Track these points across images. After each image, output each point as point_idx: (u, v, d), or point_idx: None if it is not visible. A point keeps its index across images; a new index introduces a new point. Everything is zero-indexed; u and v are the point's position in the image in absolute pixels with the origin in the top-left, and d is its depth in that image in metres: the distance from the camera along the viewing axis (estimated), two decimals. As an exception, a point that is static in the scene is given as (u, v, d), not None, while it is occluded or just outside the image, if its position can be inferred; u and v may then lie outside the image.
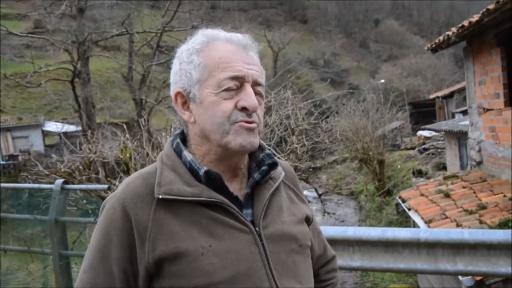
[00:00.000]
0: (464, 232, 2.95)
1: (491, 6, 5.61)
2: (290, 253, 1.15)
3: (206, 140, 1.12)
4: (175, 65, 1.17)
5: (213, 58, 1.10)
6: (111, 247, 1.05)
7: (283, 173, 1.26)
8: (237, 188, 1.17)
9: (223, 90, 1.08)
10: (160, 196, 1.06)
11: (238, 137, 1.08)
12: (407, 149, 25.10)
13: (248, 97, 1.09)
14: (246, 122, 1.09)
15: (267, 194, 1.17)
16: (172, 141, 1.20)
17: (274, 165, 1.20)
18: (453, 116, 23.33)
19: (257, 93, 1.13)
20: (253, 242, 1.09)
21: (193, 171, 1.11)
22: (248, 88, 1.10)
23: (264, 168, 1.19)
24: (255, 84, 1.12)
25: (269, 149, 1.27)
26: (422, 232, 3.00)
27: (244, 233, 1.09)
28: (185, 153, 1.14)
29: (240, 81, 1.09)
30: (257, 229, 1.11)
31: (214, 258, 1.03)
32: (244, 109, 1.08)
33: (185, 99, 1.15)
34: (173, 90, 1.17)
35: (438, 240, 2.93)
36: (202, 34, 1.15)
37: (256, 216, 1.13)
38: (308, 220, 1.29)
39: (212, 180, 1.10)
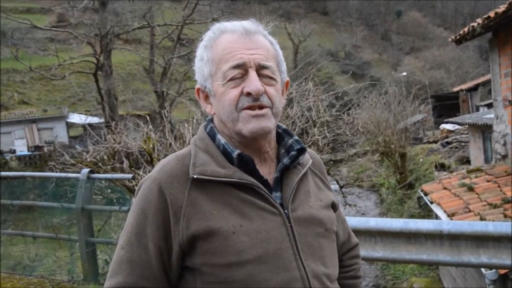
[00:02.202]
0: (488, 224, 2.94)
1: (518, -4, 5.49)
2: (316, 236, 1.19)
3: (226, 127, 1.18)
4: (195, 63, 1.24)
5: (218, 51, 1.16)
6: (147, 224, 1.10)
7: (311, 160, 1.30)
8: (266, 172, 1.20)
9: (229, 80, 1.13)
10: (195, 176, 1.11)
11: (247, 124, 1.13)
12: (429, 142, 24.73)
13: (251, 83, 1.12)
14: (253, 108, 1.13)
15: (295, 179, 1.21)
16: (206, 125, 1.25)
17: (302, 150, 1.24)
18: (477, 110, 22.91)
19: (264, 76, 1.15)
20: (282, 224, 1.13)
21: (226, 154, 1.16)
22: (252, 73, 1.13)
23: (293, 153, 1.22)
24: (260, 67, 1.15)
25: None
26: (445, 224, 3.00)
27: (273, 215, 1.13)
28: (219, 136, 1.19)
29: (243, 68, 1.13)
30: (286, 211, 1.15)
31: (244, 237, 1.08)
32: (249, 94, 1.12)
33: (205, 94, 1.23)
34: (196, 86, 1.25)
35: (461, 232, 2.91)
36: (211, 30, 1.21)
37: (285, 199, 1.17)
38: (334, 207, 1.32)
39: (244, 163, 1.14)
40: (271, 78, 1.17)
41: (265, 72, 1.16)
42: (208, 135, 1.22)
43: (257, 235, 1.09)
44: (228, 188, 1.12)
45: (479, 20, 6.99)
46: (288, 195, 1.18)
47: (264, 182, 1.16)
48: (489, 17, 6.55)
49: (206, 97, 1.23)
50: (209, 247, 1.07)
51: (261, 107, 1.13)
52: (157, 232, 1.10)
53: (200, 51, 1.21)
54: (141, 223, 1.11)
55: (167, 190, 1.10)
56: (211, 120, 1.26)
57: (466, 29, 7.48)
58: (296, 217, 1.16)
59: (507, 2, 5.89)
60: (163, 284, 1.11)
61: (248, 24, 1.19)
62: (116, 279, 1.11)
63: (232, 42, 1.15)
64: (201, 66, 1.20)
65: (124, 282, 1.10)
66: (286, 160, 1.21)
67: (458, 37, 7.89)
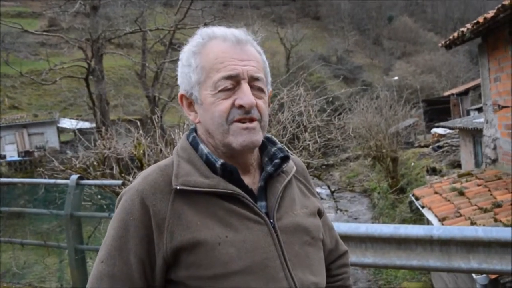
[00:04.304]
0: (478, 229, 2.93)
1: (506, 2, 5.53)
2: (303, 244, 1.17)
3: (212, 138, 1.16)
4: (178, 67, 1.21)
5: (209, 59, 1.13)
6: (129, 237, 1.07)
7: (295, 168, 1.28)
8: (250, 181, 1.19)
9: (220, 91, 1.11)
10: (178, 187, 1.08)
11: (238, 137, 1.11)
12: (421, 146, 24.86)
13: (244, 95, 1.10)
14: (244, 121, 1.11)
15: (280, 187, 1.19)
16: (188, 135, 1.23)
17: (286, 158, 1.23)
18: (468, 114, 23.10)
19: (255, 88, 1.14)
20: (267, 233, 1.11)
21: (209, 164, 1.14)
22: (244, 85, 1.11)
23: (276, 161, 1.22)
24: (252, 79, 1.13)
25: (281, 144, 1.29)
26: (435, 229, 2.99)
27: (259, 225, 1.11)
28: (202, 146, 1.17)
29: (235, 79, 1.11)
30: (271, 220, 1.14)
31: (230, 248, 1.06)
32: (241, 107, 1.10)
33: (189, 101, 1.19)
34: (179, 92, 1.22)
35: (451, 237, 2.91)
36: (199, 35, 1.17)
37: (270, 208, 1.16)
38: (320, 214, 1.31)
39: (228, 173, 1.13)
40: (261, 90, 1.15)
41: (256, 83, 1.14)
42: (190, 144, 1.19)
43: (243, 245, 1.07)
44: (212, 199, 1.10)
45: (469, 25, 7.04)
46: (273, 204, 1.16)
47: (249, 191, 1.14)
48: (478, 22, 6.60)
49: (190, 104, 1.20)
50: (194, 259, 1.05)
51: (251, 120, 1.12)
52: (140, 245, 1.07)
53: (187, 56, 1.17)
54: (122, 235, 1.08)
55: (149, 202, 1.08)
56: (194, 130, 1.24)
57: (455, 34, 7.53)
58: (282, 226, 1.14)
59: (496, 8, 5.94)
60: None
61: (239, 33, 1.17)
62: None
63: (224, 51, 1.12)
64: (187, 72, 1.16)
65: None
66: (270, 169, 1.20)
67: (448, 42, 7.95)
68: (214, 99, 1.11)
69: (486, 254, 2.88)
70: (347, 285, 1.43)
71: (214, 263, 1.04)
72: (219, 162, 1.13)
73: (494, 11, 6.02)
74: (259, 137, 1.14)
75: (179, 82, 1.21)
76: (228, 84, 1.10)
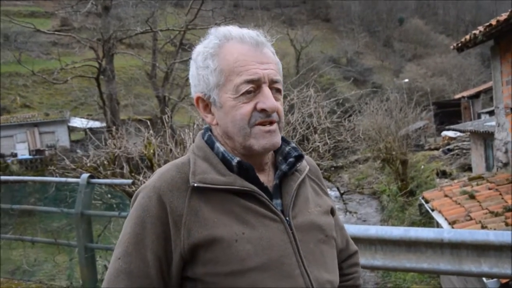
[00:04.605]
0: (489, 233, 2.91)
1: (520, 4, 5.49)
2: (317, 242, 1.19)
3: (231, 140, 1.17)
4: (192, 68, 1.21)
5: (228, 62, 1.13)
6: (146, 234, 1.08)
7: (308, 167, 1.30)
8: (265, 180, 1.19)
9: (241, 95, 1.11)
10: (196, 185, 1.09)
11: (260, 140, 1.13)
12: (431, 149, 24.70)
13: (266, 99, 1.12)
14: (265, 124, 1.13)
15: (294, 185, 1.21)
16: (203, 134, 1.24)
17: (300, 157, 1.25)
18: (479, 117, 22.89)
19: (274, 90, 1.16)
20: (283, 231, 1.13)
21: (225, 162, 1.15)
22: (266, 89, 1.13)
23: (291, 160, 1.23)
24: (272, 82, 1.15)
25: (295, 143, 1.31)
26: (446, 232, 2.97)
27: (275, 222, 1.12)
28: (218, 144, 1.18)
29: (256, 83, 1.12)
30: (287, 218, 1.15)
31: (247, 245, 1.07)
32: (263, 110, 1.12)
33: (206, 103, 1.19)
34: (193, 93, 1.21)
35: (462, 240, 2.89)
36: (215, 36, 1.17)
37: (286, 206, 1.17)
38: (332, 213, 1.33)
39: (244, 170, 1.14)
40: (279, 92, 1.17)
41: (276, 86, 1.16)
42: (206, 143, 1.20)
43: (259, 242, 1.08)
44: (229, 196, 1.11)
45: (481, 28, 7.01)
46: (288, 202, 1.18)
47: (264, 189, 1.16)
48: (490, 24, 6.56)
49: (206, 106, 1.20)
50: (211, 256, 1.06)
51: (271, 123, 1.14)
52: (157, 242, 1.08)
53: (203, 58, 1.17)
54: (140, 232, 1.09)
55: (167, 199, 1.09)
56: (209, 129, 1.24)
57: (467, 37, 7.49)
58: (297, 224, 1.16)
59: (509, 10, 5.89)
60: None
61: (256, 34, 1.17)
62: None
63: (244, 54, 1.13)
64: (205, 74, 1.16)
65: None
66: (284, 167, 1.22)
67: (459, 45, 7.91)
68: (236, 102, 1.12)
69: (497, 258, 2.86)
70: (357, 285, 1.44)
71: (231, 259, 1.05)
72: (235, 160, 1.14)
73: (507, 13, 5.98)
74: (278, 138, 1.17)
75: (193, 83, 1.21)
76: (249, 87, 1.11)
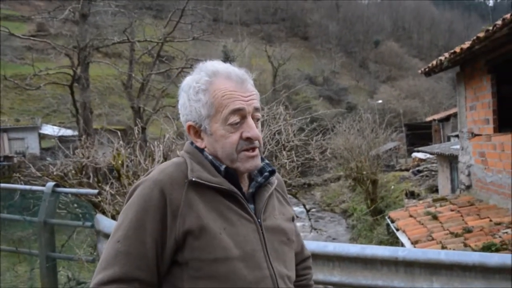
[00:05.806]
0: (440, 252, 3.02)
1: (481, 34, 5.75)
2: (280, 243, 1.42)
3: (218, 159, 1.38)
4: (183, 98, 1.40)
5: (217, 96, 1.33)
6: (147, 220, 1.26)
7: (276, 181, 1.53)
8: (243, 188, 1.42)
9: (229, 125, 1.33)
10: (194, 179, 1.30)
11: (245, 163, 1.36)
12: (401, 170, 25.20)
13: (251, 129, 1.34)
14: (249, 150, 1.35)
15: (266, 195, 1.45)
16: (191, 143, 1.45)
17: (273, 172, 1.49)
18: (448, 139, 23.49)
19: (255, 119, 1.37)
20: (255, 230, 1.35)
21: (214, 166, 1.37)
22: (250, 120, 1.35)
23: (266, 174, 1.46)
24: (254, 110, 1.36)
25: (267, 161, 1.55)
26: (400, 250, 3.07)
27: (249, 222, 1.35)
28: (206, 153, 1.40)
29: (241, 113, 1.33)
30: (259, 220, 1.38)
31: (228, 238, 1.28)
32: (248, 138, 1.34)
33: (196, 130, 1.40)
34: (184, 122, 1.42)
35: (415, 259, 2.99)
36: (205, 73, 1.37)
37: (258, 211, 1.40)
38: (293, 220, 1.57)
39: (229, 175, 1.36)
40: (258, 119, 1.39)
41: (257, 114, 1.38)
42: (196, 149, 1.41)
43: (237, 237, 1.29)
44: (216, 195, 1.32)
45: (447, 54, 7.26)
46: (260, 208, 1.40)
47: (243, 194, 1.37)
48: (455, 52, 6.81)
49: (197, 132, 1.40)
50: (199, 244, 1.25)
51: (253, 149, 1.36)
52: (156, 227, 1.25)
53: (195, 92, 1.35)
54: (141, 218, 1.26)
55: (167, 191, 1.27)
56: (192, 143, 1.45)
57: (434, 62, 7.75)
58: (266, 226, 1.38)
59: (472, 39, 6.15)
60: (154, 277, 1.26)
61: (240, 73, 1.38)
62: (112, 270, 1.22)
63: (231, 90, 1.33)
64: (197, 107, 1.35)
65: (120, 272, 1.22)
66: (260, 179, 1.44)
67: (427, 69, 8.18)
68: (225, 132, 1.33)
69: (448, 277, 2.96)
70: (310, 284, 1.68)
71: (216, 248, 1.25)
72: (223, 166, 1.36)
73: (470, 42, 6.24)
74: (259, 161, 1.40)
75: (183, 112, 1.40)
76: (236, 118, 1.32)
